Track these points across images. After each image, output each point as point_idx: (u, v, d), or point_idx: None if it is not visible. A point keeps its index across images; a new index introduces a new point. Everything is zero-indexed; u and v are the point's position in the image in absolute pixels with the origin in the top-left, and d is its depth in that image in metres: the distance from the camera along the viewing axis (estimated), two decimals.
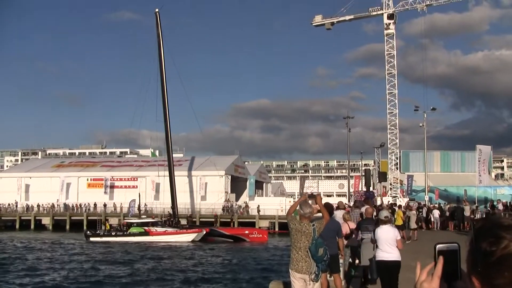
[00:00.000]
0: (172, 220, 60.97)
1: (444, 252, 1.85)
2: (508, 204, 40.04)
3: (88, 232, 59.75)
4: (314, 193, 9.04)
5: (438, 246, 1.88)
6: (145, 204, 75.89)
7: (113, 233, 57.45)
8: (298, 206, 8.78)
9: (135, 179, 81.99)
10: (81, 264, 36.70)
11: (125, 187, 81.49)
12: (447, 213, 40.23)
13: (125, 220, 61.41)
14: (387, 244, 10.26)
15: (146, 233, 55.54)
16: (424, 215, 39.19)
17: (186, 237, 55.10)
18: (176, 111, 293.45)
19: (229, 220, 69.45)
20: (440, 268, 1.79)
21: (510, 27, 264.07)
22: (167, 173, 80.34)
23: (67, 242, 54.91)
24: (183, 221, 63.89)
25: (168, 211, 65.58)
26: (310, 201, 9.03)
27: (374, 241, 11.00)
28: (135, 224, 57.18)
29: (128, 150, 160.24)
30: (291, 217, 8.69)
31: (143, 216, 64.06)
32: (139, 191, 78.53)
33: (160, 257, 41.82)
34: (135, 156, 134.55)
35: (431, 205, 51.27)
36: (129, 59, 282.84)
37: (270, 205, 74.37)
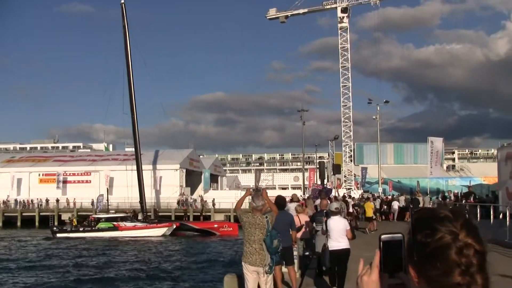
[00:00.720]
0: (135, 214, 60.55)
1: (388, 243, 1.82)
2: (459, 195, 40.79)
3: (55, 228, 58.12)
4: (259, 188, 9.11)
5: (383, 236, 1.85)
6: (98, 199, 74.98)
7: (81, 229, 56.08)
8: (250, 199, 8.72)
9: (89, 173, 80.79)
10: (51, 261, 35.86)
11: (78, 182, 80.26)
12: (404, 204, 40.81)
13: (93, 215, 59.96)
14: (338, 234, 10.78)
15: (115, 228, 54.44)
16: (378, 206, 39.56)
17: (156, 232, 54.42)
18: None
19: (183, 214, 69.14)
20: (377, 260, 1.79)
21: (460, 22, 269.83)
22: (120, 167, 79.64)
23: (30, 238, 53.57)
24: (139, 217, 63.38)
25: (131, 206, 65.27)
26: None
27: (325, 232, 11.32)
28: (103, 219, 56.04)
29: (81, 144, 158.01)
30: (242, 211, 8.63)
31: (112, 211, 63.08)
32: (93, 186, 77.79)
33: (124, 251, 41.55)
34: (89, 150, 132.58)
35: (387, 197, 51.93)
36: (84, 53, 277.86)
37: (225, 198, 74.21)
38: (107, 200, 64.44)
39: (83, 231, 55.32)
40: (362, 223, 32.38)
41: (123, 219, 56.85)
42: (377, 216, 36.13)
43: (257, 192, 9.53)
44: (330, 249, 11.05)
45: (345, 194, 45.40)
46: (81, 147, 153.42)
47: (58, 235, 54.98)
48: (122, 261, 36.16)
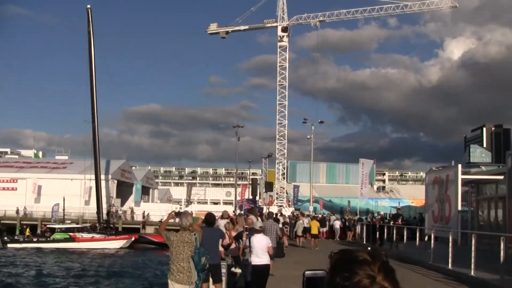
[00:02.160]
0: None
1: (312, 279, 1.91)
2: (387, 216, 41.77)
3: (6, 238, 55.03)
4: (181, 212, 9.20)
5: (307, 273, 1.94)
6: (25, 208, 72.83)
7: (35, 239, 53.71)
8: (178, 219, 8.65)
9: (15, 180, 78.33)
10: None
11: (4, 189, 77.65)
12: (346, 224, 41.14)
13: (47, 225, 57.74)
14: (260, 250, 11.45)
15: (71, 239, 52.50)
16: (306, 225, 39.56)
17: (114, 244, 52.92)
18: (59, 112, 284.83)
19: (61, 224, 67.71)
20: None
21: (396, 47, 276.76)
22: (49, 175, 77.61)
23: None
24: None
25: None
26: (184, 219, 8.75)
27: (247, 247, 12.14)
28: (58, 230, 53.96)
29: (8, 150, 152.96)
30: (167, 232, 8.52)
31: (68, 221, 60.95)
32: (19, 193, 75.44)
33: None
34: (16, 156, 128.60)
35: (319, 216, 52.36)
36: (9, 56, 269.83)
37: (157, 211, 73.36)
38: (63, 209, 62.02)
39: (37, 242, 52.96)
40: (291, 241, 32.67)
41: (80, 230, 55.02)
42: (306, 235, 36.45)
43: (178, 215, 9.49)
44: (252, 263, 11.68)
45: (278, 212, 45.49)
46: (9, 152, 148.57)
47: (9, 245, 52.42)
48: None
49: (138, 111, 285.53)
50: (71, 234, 53.31)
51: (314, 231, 32.13)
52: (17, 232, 58.25)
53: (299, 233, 33.39)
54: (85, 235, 53.82)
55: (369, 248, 1.85)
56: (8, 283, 29.80)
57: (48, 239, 53.16)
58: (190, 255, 8.08)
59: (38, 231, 59.35)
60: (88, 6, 59.31)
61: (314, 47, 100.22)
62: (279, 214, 38.93)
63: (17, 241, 54.03)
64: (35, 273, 33.79)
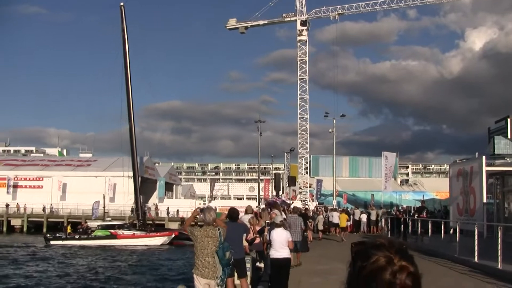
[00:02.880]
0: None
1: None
2: (411, 209, 41.59)
3: (48, 235, 55.40)
4: (204, 208, 9.36)
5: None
6: (51, 205, 73.74)
7: (77, 236, 53.91)
8: (202, 214, 8.69)
9: (41, 178, 79.36)
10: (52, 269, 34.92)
11: (30, 187, 78.75)
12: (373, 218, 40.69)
13: (88, 223, 58.10)
14: (279, 244, 11.62)
15: (113, 236, 52.73)
16: (331, 219, 39.46)
17: (155, 241, 53.10)
18: (83, 110, 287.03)
19: (102, 221, 68.30)
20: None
21: (416, 39, 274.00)
22: (74, 173, 78.46)
23: (24, 246, 51.65)
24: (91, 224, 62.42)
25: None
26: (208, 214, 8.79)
27: (268, 242, 12.28)
28: (99, 227, 54.40)
29: (34, 148, 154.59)
30: (192, 228, 8.58)
31: (108, 218, 61.44)
32: (45, 191, 76.41)
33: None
34: (41, 155, 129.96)
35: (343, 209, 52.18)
36: (26, 54, 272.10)
37: (180, 207, 73.93)
38: (104, 207, 62.44)
39: (79, 239, 53.29)
40: (315, 235, 32.76)
41: (120, 227, 55.32)
42: (327, 228, 36.66)
43: (206, 207, 9.59)
44: (271, 257, 11.88)
45: (303, 207, 45.45)
46: (34, 151, 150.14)
47: (52, 242, 52.69)
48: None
49: (159, 107, 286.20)
50: (112, 231, 53.54)
51: (343, 224, 33.64)
52: (68, 230, 58.17)
53: (320, 227, 34.43)
54: (126, 232, 54.02)
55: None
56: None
57: (90, 236, 53.40)
58: (215, 250, 8.13)
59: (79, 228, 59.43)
60: (122, 3, 58.44)
61: (333, 41, 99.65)
62: (304, 209, 39.09)
63: (60, 238, 54.20)
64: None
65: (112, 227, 54.53)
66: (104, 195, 72.13)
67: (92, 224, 56.39)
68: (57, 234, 56.48)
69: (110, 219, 61.83)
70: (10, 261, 39.14)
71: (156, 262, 39.81)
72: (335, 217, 35.33)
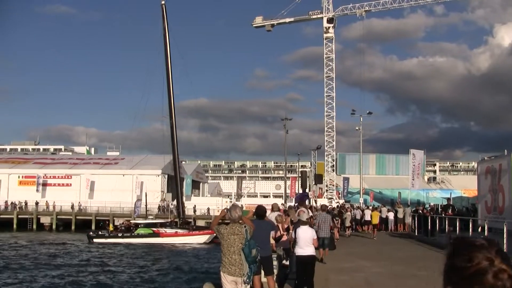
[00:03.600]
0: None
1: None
2: (438, 207, 41.27)
3: (91, 233, 56.23)
4: (230, 206, 9.59)
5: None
6: (79, 203, 74.57)
7: (120, 234, 54.35)
8: (228, 212, 8.75)
9: (69, 177, 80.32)
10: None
11: (59, 185, 79.75)
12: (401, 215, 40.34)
13: (131, 221, 58.47)
14: (304, 242, 11.74)
15: (156, 235, 53.10)
16: (358, 217, 39.33)
17: (198, 239, 53.15)
18: (108, 108, 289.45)
19: (144, 219, 68.79)
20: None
21: (443, 35, 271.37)
22: (101, 171, 79.23)
23: (69, 243, 52.64)
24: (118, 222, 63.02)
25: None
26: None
27: (293, 240, 12.39)
28: (142, 225, 54.74)
29: (62, 147, 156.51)
30: (218, 226, 8.64)
31: (150, 217, 61.91)
32: (74, 189, 77.31)
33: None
34: (70, 153, 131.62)
35: (384, 207, 51.97)
36: (59, 52, 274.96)
37: (207, 205, 74.30)
38: (146, 205, 63.00)
39: (122, 237, 53.74)
40: (342, 232, 32.76)
41: (162, 225, 55.48)
42: (356, 226, 36.67)
43: (232, 204, 9.65)
44: (296, 254, 12.03)
45: (332, 205, 45.49)
46: (63, 149, 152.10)
47: (95, 240, 53.39)
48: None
49: (186, 105, 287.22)
50: (154, 229, 53.73)
51: (375, 221, 34.40)
52: (111, 228, 58.52)
53: (347, 224, 34.50)
54: (169, 230, 54.08)
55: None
56: None
57: (132, 234, 53.77)
58: (241, 247, 8.18)
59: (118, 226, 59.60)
60: (163, 2, 57.92)
61: (360, 38, 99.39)
62: (333, 207, 39.44)
63: (103, 236, 54.58)
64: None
65: (155, 225, 54.69)
66: (163, 191, 72.80)
67: (139, 222, 56.57)
68: (100, 232, 56.76)
69: (152, 217, 62.08)
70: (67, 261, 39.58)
71: (195, 260, 40.12)
72: (367, 215, 36.16)
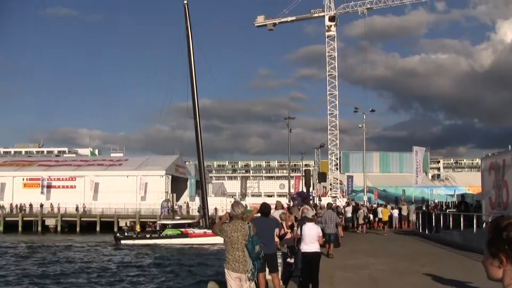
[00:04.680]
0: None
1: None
2: (439, 204, 41.42)
3: (118, 234, 55.87)
4: (232, 203, 9.68)
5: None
6: (84, 205, 74.69)
7: (147, 236, 54.23)
8: (231, 208, 8.77)
9: (74, 179, 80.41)
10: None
11: (63, 187, 79.86)
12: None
13: (158, 222, 58.40)
14: (310, 239, 11.79)
15: (184, 235, 52.78)
16: (379, 214, 39.25)
17: None
18: (111, 110, 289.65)
19: (171, 220, 68.90)
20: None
21: (445, 32, 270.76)
22: (106, 172, 79.30)
23: (92, 245, 52.84)
24: (123, 223, 63.29)
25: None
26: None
27: (299, 236, 12.37)
28: (169, 226, 54.55)
29: (66, 149, 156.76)
30: (220, 226, 8.67)
31: (177, 217, 61.75)
32: (78, 191, 77.43)
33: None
34: (74, 155, 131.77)
35: (372, 205, 52.05)
36: (62, 55, 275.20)
37: (211, 205, 74.17)
38: (172, 205, 62.65)
39: (150, 238, 53.65)
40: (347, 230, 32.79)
41: (190, 225, 55.27)
42: (364, 224, 36.82)
43: (234, 201, 9.70)
44: (302, 251, 12.05)
45: (337, 203, 45.70)
46: (67, 151, 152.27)
47: (123, 241, 53.27)
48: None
49: (189, 106, 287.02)
50: (182, 230, 53.50)
51: (385, 218, 35.73)
52: (138, 229, 58.38)
53: (361, 221, 35.57)
54: (197, 231, 53.75)
55: None
56: None
57: (160, 235, 53.56)
58: (244, 244, 8.20)
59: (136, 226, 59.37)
60: (185, 1, 58.32)
61: (362, 35, 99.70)
62: (336, 205, 39.79)
63: (130, 238, 54.41)
64: None
65: (182, 226, 54.47)
66: (167, 192, 72.71)
67: (167, 222, 56.48)
68: (127, 234, 56.24)
69: (179, 217, 61.91)
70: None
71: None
72: (380, 213, 37.44)
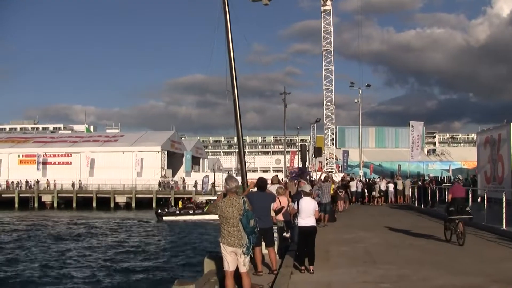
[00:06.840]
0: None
1: None
2: (436, 179, 41.62)
3: (160, 210, 55.94)
4: (226, 177, 9.74)
5: None
6: (80, 181, 74.80)
7: (190, 212, 54.31)
8: (224, 182, 8.75)
9: (69, 155, 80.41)
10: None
11: (59, 163, 79.89)
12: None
13: (200, 198, 58.41)
14: (307, 213, 11.81)
15: None
16: (360, 190, 39.44)
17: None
18: (105, 86, 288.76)
19: (168, 196, 69.09)
20: None
21: (441, 6, 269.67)
22: (101, 148, 79.29)
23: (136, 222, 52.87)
24: (119, 199, 63.27)
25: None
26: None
27: (295, 211, 12.37)
28: (211, 202, 54.63)
29: (61, 125, 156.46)
30: (214, 203, 8.65)
31: (218, 193, 61.95)
32: (74, 167, 77.48)
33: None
34: (69, 132, 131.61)
35: (368, 180, 52.17)
36: (55, 30, 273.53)
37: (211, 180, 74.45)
38: (214, 182, 62.35)
39: (193, 214, 53.74)
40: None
41: None
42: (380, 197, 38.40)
43: (228, 175, 9.67)
44: (298, 225, 12.06)
45: (341, 179, 45.90)
46: (62, 128, 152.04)
47: (165, 218, 53.53)
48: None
49: (182, 82, 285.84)
50: None
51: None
52: (180, 205, 58.33)
53: (377, 194, 38.19)
54: None
55: None
56: None
57: (204, 211, 53.02)
58: (239, 219, 8.19)
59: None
60: None
61: (357, 10, 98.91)
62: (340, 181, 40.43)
63: (173, 214, 54.71)
64: None
65: None
66: (163, 167, 72.42)
67: (210, 198, 55.88)
68: (168, 210, 56.45)
69: (220, 192, 61.90)
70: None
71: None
72: (399, 184, 39.72)
